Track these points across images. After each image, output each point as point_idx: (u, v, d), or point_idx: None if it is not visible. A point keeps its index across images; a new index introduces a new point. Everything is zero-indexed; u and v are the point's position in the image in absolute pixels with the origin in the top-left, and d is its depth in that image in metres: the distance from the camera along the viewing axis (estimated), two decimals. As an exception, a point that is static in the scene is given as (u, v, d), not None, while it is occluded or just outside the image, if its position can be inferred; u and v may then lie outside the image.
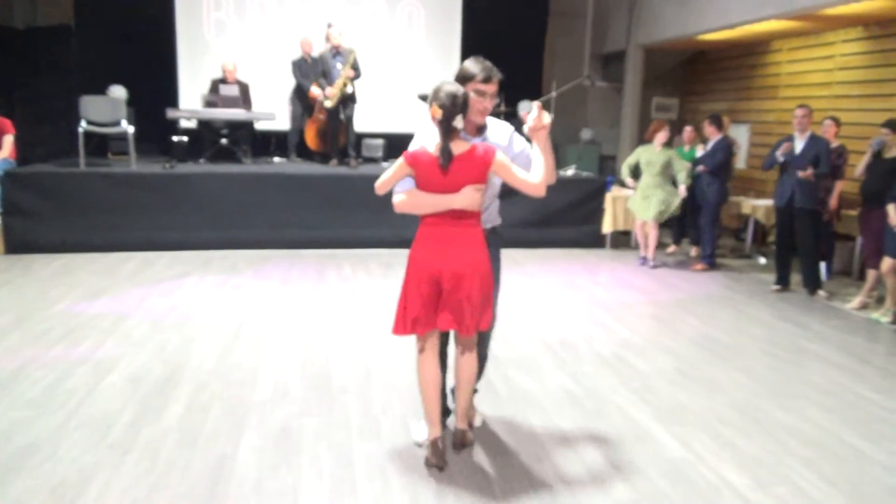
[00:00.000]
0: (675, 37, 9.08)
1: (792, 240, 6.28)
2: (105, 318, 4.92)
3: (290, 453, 3.09)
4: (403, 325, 2.93)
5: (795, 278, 6.48)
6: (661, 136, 6.99)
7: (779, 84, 8.95)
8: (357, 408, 3.58)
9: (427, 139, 2.85)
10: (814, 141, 6.05)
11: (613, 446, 3.25)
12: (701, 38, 8.90)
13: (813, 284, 6.24)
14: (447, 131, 2.77)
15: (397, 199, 2.89)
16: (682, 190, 6.96)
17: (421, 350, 2.99)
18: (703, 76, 10.75)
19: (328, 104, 8.11)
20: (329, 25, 8.24)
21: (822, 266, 6.60)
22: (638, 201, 7.21)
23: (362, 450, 3.14)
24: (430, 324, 2.91)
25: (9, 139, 6.96)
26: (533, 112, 2.83)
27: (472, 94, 2.83)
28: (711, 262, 7.15)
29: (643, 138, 7.38)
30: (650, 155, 7.07)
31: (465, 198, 2.81)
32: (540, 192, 2.87)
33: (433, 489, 2.83)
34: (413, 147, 2.87)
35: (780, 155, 6.10)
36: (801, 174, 5.92)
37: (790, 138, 6.18)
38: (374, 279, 6.26)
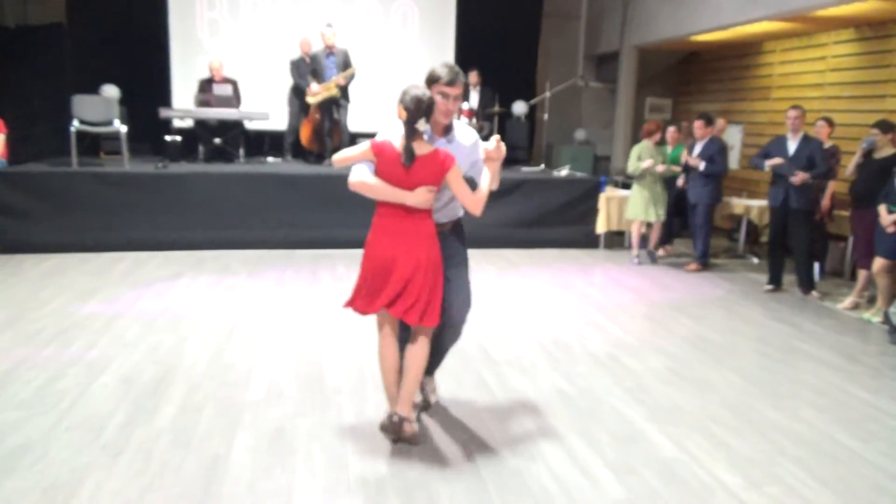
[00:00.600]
0: (668, 37, 9.11)
1: (785, 240, 6.31)
2: (97, 319, 4.90)
3: (284, 453, 3.08)
4: (351, 300, 3.20)
5: (788, 278, 6.50)
6: (657, 136, 7.19)
7: (771, 85, 8.99)
8: (351, 408, 3.58)
9: (394, 134, 3.05)
10: (807, 142, 6.08)
11: (607, 446, 3.26)
12: (694, 38, 8.94)
13: (807, 285, 6.27)
14: (410, 133, 2.97)
15: (355, 179, 3.07)
16: (682, 181, 7.05)
17: (379, 333, 3.22)
18: (697, 77, 10.79)
19: (310, 100, 8.12)
20: (329, 25, 8.23)
21: (816, 266, 6.63)
22: (640, 202, 7.27)
23: (356, 450, 3.13)
24: (370, 306, 3.11)
25: (0, 138, 6.92)
26: (491, 143, 3.12)
27: (437, 97, 3.01)
28: (705, 263, 7.17)
29: (639, 137, 7.42)
30: (651, 153, 7.16)
31: (418, 197, 3.00)
32: (477, 211, 3.08)
33: (427, 490, 2.83)
34: (380, 137, 3.06)
35: (768, 165, 6.12)
36: (795, 180, 5.93)
37: (782, 139, 6.21)
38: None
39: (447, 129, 3.14)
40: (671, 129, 7.80)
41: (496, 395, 3.82)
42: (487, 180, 3.12)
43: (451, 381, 3.97)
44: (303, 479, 2.89)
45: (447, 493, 2.81)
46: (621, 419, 3.57)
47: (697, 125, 7.00)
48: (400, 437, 3.16)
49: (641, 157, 7.18)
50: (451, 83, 3.00)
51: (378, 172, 3.03)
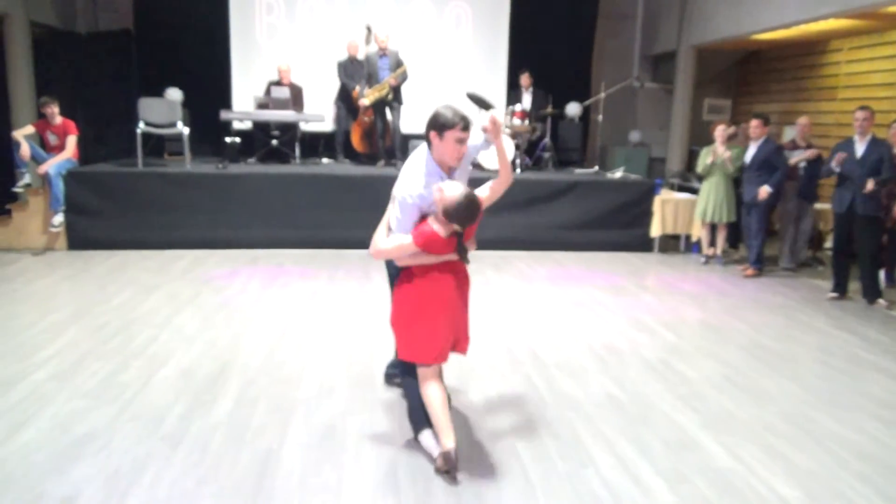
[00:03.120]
0: (728, 37, 8.86)
1: (850, 246, 6.07)
2: (159, 314, 5.08)
3: (335, 450, 3.13)
4: (435, 355, 3.01)
5: (853, 286, 6.24)
6: (725, 137, 7.14)
7: (837, 85, 8.65)
8: (401, 408, 3.60)
9: (414, 188, 2.92)
10: (875, 144, 5.82)
11: (659, 454, 3.20)
12: (755, 37, 8.68)
13: (872, 293, 6.01)
14: (461, 239, 2.92)
15: (393, 254, 2.99)
16: (766, 189, 6.73)
17: (433, 376, 3.05)
18: (758, 77, 10.47)
19: (366, 102, 8.22)
20: (368, 28, 8.33)
21: (882, 274, 6.35)
22: (707, 203, 7.19)
23: (405, 450, 3.16)
24: (448, 349, 3.08)
25: (72, 140, 7.25)
26: (485, 119, 3.04)
27: (453, 143, 2.93)
28: (760, 267, 6.95)
29: (704, 140, 7.36)
30: (717, 148, 7.11)
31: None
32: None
33: (475, 492, 2.83)
34: (408, 202, 2.91)
35: (835, 166, 5.90)
36: (867, 190, 5.69)
37: (849, 141, 5.97)
38: (419, 280, 6.30)
39: (452, 170, 3.07)
40: (720, 127, 7.63)
41: (545, 398, 3.80)
42: (502, 158, 3.12)
43: (500, 384, 3.96)
44: (352, 476, 2.93)
45: (495, 495, 2.81)
46: (674, 426, 3.49)
47: (754, 124, 6.80)
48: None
49: (707, 159, 7.15)
50: (465, 128, 2.93)
51: (425, 250, 2.93)
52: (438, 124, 2.95)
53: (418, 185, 2.94)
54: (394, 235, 2.98)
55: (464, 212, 2.83)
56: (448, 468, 2.92)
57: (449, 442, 2.94)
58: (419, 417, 3.16)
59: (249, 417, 3.43)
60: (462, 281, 3.08)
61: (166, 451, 3.07)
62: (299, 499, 2.74)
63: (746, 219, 7.01)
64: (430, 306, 2.99)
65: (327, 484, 2.86)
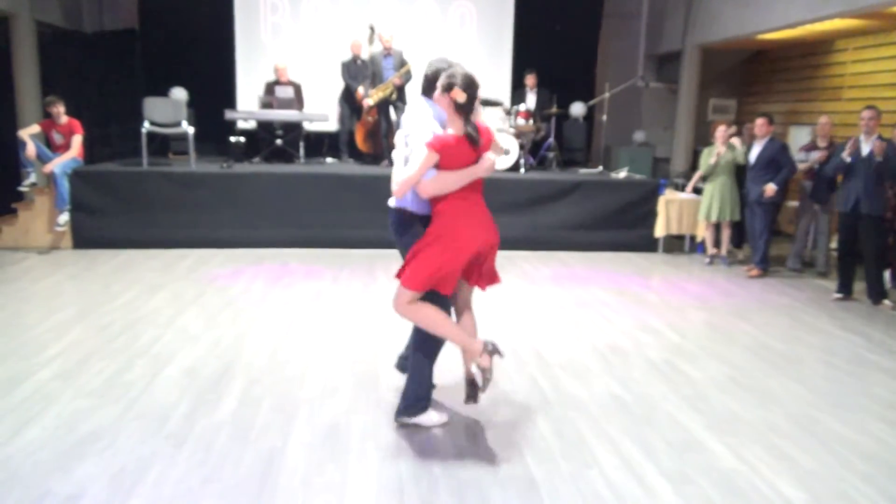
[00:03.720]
0: (733, 36, 8.84)
1: (855, 246, 6.04)
2: (163, 313, 5.09)
3: (339, 450, 3.14)
4: (427, 282, 3.05)
5: (859, 287, 6.22)
6: (725, 137, 7.14)
7: (843, 85, 8.62)
8: (404, 407, 3.61)
9: (428, 123, 3.07)
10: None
11: (663, 454, 3.19)
12: (761, 37, 8.65)
13: (878, 293, 5.99)
14: (472, 111, 2.99)
15: (428, 186, 3.01)
16: (772, 187, 6.73)
17: (422, 300, 3.11)
18: (763, 77, 10.44)
19: (370, 101, 8.23)
20: (371, 28, 8.34)
21: (887, 274, 6.33)
22: (710, 203, 7.19)
23: (409, 449, 3.16)
24: (453, 286, 3.11)
25: (77, 139, 7.27)
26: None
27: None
28: (765, 267, 6.93)
29: (709, 140, 7.35)
30: (718, 148, 7.12)
31: (486, 163, 3.03)
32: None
33: (479, 491, 2.83)
34: (425, 135, 3.01)
35: (846, 156, 5.87)
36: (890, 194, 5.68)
37: (855, 141, 5.95)
38: (423, 280, 6.30)
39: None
40: (721, 128, 7.63)
41: (549, 398, 3.79)
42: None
43: (505, 384, 3.96)
44: (356, 475, 2.93)
45: (499, 495, 2.81)
46: (678, 427, 3.49)
47: (760, 123, 6.78)
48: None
49: (712, 159, 7.17)
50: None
51: (445, 167, 2.98)
52: (447, 83, 3.01)
53: (432, 126, 3.06)
54: (410, 165, 3.03)
55: (465, 76, 2.94)
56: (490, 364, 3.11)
57: (476, 346, 3.12)
58: (422, 395, 3.28)
59: (254, 417, 3.44)
60: (492, 223, 3.14)
61: (171, 450, 3.08)
62: (303, 498, 2.75)
63: (751, 218, 6.99)
64: (449, 243, 3.02)
65: (331, 483, 2.86)
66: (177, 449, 3.09)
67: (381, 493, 2.80)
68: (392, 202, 3.26)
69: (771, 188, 6.65)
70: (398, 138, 3.23)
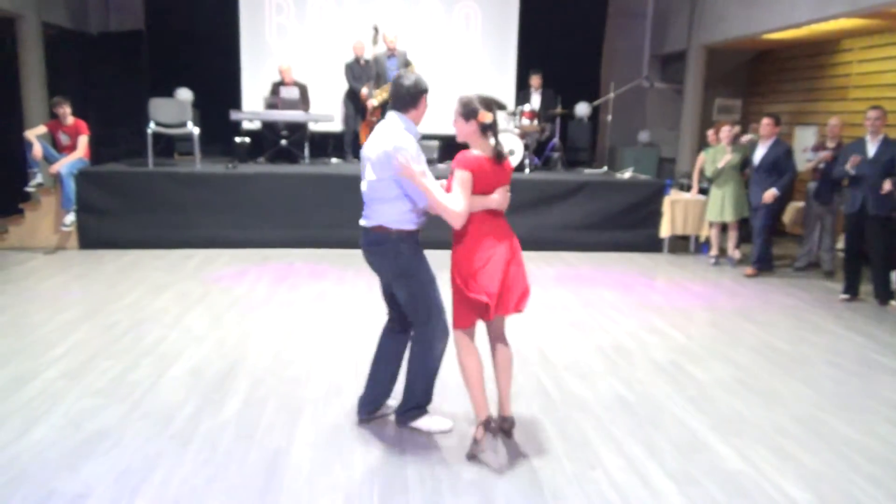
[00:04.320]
0: (738, 36, 8.82)
1: (862, 247, 6.02)
2: (168, 313, 5.11)
3: (343, 451, 3.14)
4: (472, 315, 3.02)
5: (865, 288, 6.20)
6: (731, 137, 7.14)
7: (848, 85, 8.59)
8: (409, 407, 3.61)
9: (409, 140, 3.02)
10: (887, 144, 5.77)
11: (668, 455, 3.19)
12: (766, 37, 8.63)
13: (884, 294, 5.97)
14: (496, 127, 3.01)
15: (463, 209, 2.91)
16: (773, 193, 6.67)
17: (468, 340, 3.07)
18: (768, 77, 10.41)
19: (374, 102, 8.24)
20: (375, 28, 8.35)
21: (894, 275, 6.30)
22: (716, 203, 7.18)
23: (413, 451, 3.16)
24: (502, 307, 3.04)
25: (83, 140, 7.31)
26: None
27: (425, 105, 3.15)
28: (761, 267, 6.92)
29: (709, 141, 7.34)
30: (725, 154, 7.08)
31: (502, 197, 3.03)
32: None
33: (482, 492, 2.83)
34: (460, 159, 2.96)
35: (850, 168, 5.84)
36: (884, 191, 5.62)
37: (860, 141, 5.92)
38: (428, 280, 6.30)
39: None
40: (725, 128, 7.61)
41: (554, 399, 3.79)
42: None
43: (509, 384, 3.95)
44: (360, 476, 2.93)
45: (503, 495, 2.81)
46: (683, 428, 3.48)
47: (765, 123, 6.74)
48: (509, 434, 3.19)
49: (717, 159, 7.14)
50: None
51: (477, 189, 2.94)
52: (421, 90, 3.09)
53: (410, 140, 3.04)
54: (449, 193, 2.96)
55: (482, 98, 2.97)
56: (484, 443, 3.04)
57: (485, 412, 3.04)
58: (421, 398, 3.27)
59: (258, 416, 3.45)
60: (514, 245, 3.11)
61: (176, 449, 3.09)
62: (308, 498, 2.75)
63: (752, 218, 6.99)
64: (478, 259, 2.96)
65: (336, 483, 2.86)
66: (182, 448, 3.10)
67: (385, 493, 2.81)
68: (366, 222, 3.14)
69: (771, 194, 6.61)
70: (367, 155, 3.09)
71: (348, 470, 2.97)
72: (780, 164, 6.65)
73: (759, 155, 6.82)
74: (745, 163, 7.03)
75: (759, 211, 6.83)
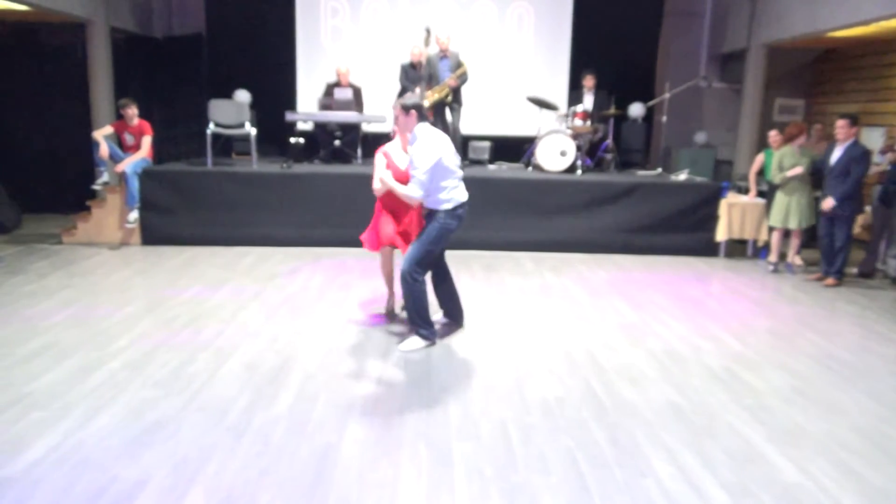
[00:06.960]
0: (801, 34, 8.52)
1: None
2: (225, 308, 5.25)
3: (391, 448, 3.17)
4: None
5: (935, 296, 5.91)
6: (801, 139, 6.78)
7: (921, 84, 8.21)
8: (456, 408, 3.62)
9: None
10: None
11: (722, 466, 3.11)
12: (831, 35, 8.32)
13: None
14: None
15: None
16: (830, 202, 6.41)
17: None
18: (833, 76, 10.03)
19: (425, 103, 8.27)
20: (427, 30, 8.37)
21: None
22: (781, 209, 6.90)
23: (461, 450, 3.17)
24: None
25: (147, 140, 7.57)
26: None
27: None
28: (841, 277, 6.63)
29: (768, 142, 7.06)
30: (793, 159, 6.76)
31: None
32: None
33: (530, 495, 2.82)
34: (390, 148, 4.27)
35: None
36: None
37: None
38: (476, 281, 6.29)
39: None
40: (772, 133, 7.32)
41: (604, 403, 3.74)
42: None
43: (558, 387, 3.93)
44: (408, 473, 2.96)
45: (550, 500, 2.79)
46: (739, 438, 3.39)
47: (840, 125, 6.35)
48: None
49: (783, 163, 6.78)
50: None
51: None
52: (413, 105, 4.30)
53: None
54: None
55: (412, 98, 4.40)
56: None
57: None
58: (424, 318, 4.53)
59: (310, 411, 3.51)
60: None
61: (230, 441, 3.18)
62: (357, 494, 2.79)
63: (826, 227, 6.59)
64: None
65: (384, 480, 2.90)
66: (236, 441, 3.18)
67: (432, 491, 2.82)
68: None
69: (829, 202, 6.33)
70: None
71: (396, 467, 3.00)
72: (848, 168, 6.29)
73: (835, 157, 6.44)
74: (815, 168, 6.73)
75: (836, 221, 6.43)
